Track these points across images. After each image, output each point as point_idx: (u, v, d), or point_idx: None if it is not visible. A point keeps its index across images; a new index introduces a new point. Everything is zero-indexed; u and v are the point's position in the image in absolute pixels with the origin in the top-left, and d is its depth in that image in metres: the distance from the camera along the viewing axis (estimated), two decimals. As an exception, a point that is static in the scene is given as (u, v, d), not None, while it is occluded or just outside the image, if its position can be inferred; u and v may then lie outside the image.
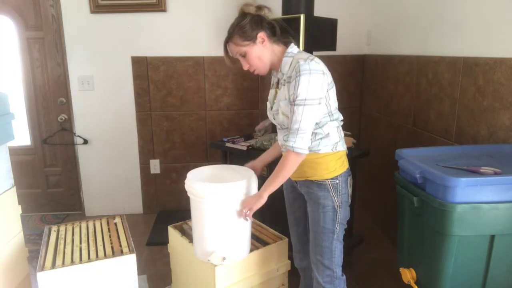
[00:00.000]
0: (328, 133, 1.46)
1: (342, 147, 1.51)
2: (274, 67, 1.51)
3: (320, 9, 2.49)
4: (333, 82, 1.46)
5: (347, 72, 3.22)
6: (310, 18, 2.21)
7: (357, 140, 2.81)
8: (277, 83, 1.55)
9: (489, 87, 1.76)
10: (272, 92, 1.60)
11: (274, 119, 1.54)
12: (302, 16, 2.13)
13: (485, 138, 1.79)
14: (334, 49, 2.40)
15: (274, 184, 1.47)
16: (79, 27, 2.97)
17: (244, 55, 1.46)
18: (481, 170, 1.31)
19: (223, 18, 3.03)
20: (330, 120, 1.46)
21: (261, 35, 1.45)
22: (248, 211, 1.51)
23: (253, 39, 1.44)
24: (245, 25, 1.43)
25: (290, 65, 1.44)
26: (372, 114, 3.09)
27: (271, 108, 1.56)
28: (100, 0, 2.91)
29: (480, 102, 1.82)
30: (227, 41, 1.48)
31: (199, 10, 3.01)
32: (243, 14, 1.46)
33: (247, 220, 1.55)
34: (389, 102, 2.77)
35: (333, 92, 1.46)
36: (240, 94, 3.20)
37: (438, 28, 2.15)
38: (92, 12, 2.93)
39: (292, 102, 1.38)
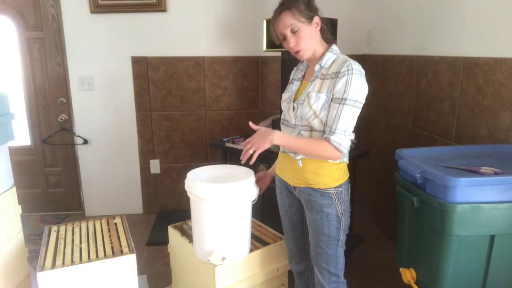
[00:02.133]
0: None
1: (346, 159, 1.51)
2: (312, 58, 1.47)
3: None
4: None
5: (347, 72, 3.22)
6: (310, 18, 2.21)
7: (357, 140, 2.80)
8: (303, 76, 1.53)
9: (489, 87, 1.76)
10: (296, 83, 1.54)
11: (293, 110, 1.47)
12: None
13: (485, 138, 1.79)
14: (334, 49, 2.39)
15: (293, 145, 1.40)
16: (79, 27, 2.97)
17: (296, 31, 1.39)
18: (481, 170, 1.31)
19: (223, 18, 3.04)
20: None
21: (317, 19, 1.43)
22: (255, 151, 1.39)
23: (310, 19, 1.40)
24: (304, 4, 1.39)
25: (333, 61, 1.42)
26: (372, 114, 3.09)
27: (295, 99, 1.49)
28: (100, 0, 2.91)
29: (480, 102, 1.82)
30: (285, 9, 1.38)
31: (199, 10, 3.01)
32: None
33: (250, 153, 1.41)
34: (389, 102, 2.77)
35: None
36: (240, 94, 3.20)
37: (438, 28, 2.15)
38: (92, 12, 2.93)
39: (339, 100, 1.34)
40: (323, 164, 1.44)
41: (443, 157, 1.52)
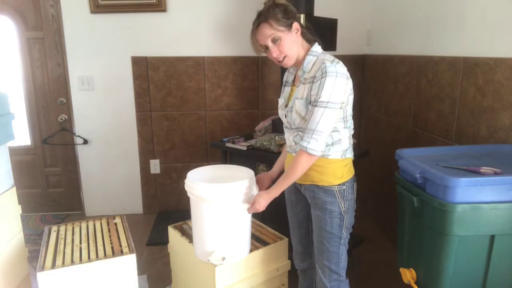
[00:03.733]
0: (340, 139, 1.45)
1: (350, 154, 1.51)
2: (296, 63, 1.47)
3: (320, 9, 2.49)
4: (352, 89, 1.45)
5: (347, 72, 3.22)
6: (310, 18, 2.21)
7: (357, 140, 2.81)
8: (293, 81, 1.53)
9: (489, 87, 1.76)
10: (287, 89, 1.55)
11: (286, 117, 1.50)
12: (302, 16, 2.13)
13: (485, 138, 1.79)
14: (334, 49, 2.40)
15: (284, 183, 1.46)
16: (79, 27, 2.96)
17: (276, 41, 1.39)
18: (481, 170, 1.31)
19: (223, 18, 3.04)
20: (344, 127, 1.45)
21: (296, 25, 1.42)
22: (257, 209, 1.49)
23: (288, 26, 1.39)
24: (281, 12, 1.38)
25: (314, 64, 1.41)
26: (372, 114, 3.09)
27: (286, 105, 1.51)
28: (100, 0, 2.91)
29: (480, 102, 1.82)
30: (263, 21, 1.39)
31: (199, 10, 3.01)
32: (275, 3, 1.40)
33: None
34: (389, 102, 2.77)
35: (351, 98, 1.45)
36: (240, 94, 3.20)
37: (438, 28, 2.15)
38: (92, 12, 2.93)
39: (313, 103, 1.36)
40: (326, 162, 1.45)
41: (443, 157, 1.52)
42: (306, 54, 1.45)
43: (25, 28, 3.01)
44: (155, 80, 3.11)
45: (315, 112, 1.35)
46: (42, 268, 1.54)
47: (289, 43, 1.40)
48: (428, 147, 2.06)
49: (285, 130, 1.57)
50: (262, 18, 1.40)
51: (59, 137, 3.20)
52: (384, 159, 2.87)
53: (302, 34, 1.46)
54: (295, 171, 1.42)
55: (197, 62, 3.11)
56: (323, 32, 2.32)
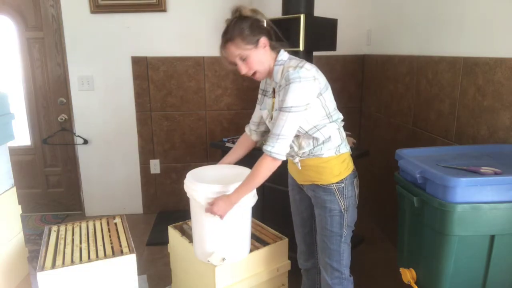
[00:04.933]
0: (330, 136, 1.45)
1: (345, 149, 1.50)
2: (269, 74, 1.48)
3: (320, 9, 2.49)
4: (327, 84, 1.45)
5: (347, 72, 3.22)
6: (310, 18, 2.21)
7: (357, 140, 2.81)
8: (273, 92, 1.53)
9: (489, 87, 1.76)
10: (269, 101, 1.55)
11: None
12: (302, 16, 2.13)
13: (485, 138, 1.79)
14: (334, 49, 2.40)
15: (246, 190, 1.45)
16: (79, 27, 2.96)
17: (244, 59, 1.42)
18: (481, 170, 1.31)
19: (223, 18, 3.02)
20: (329, 122, 1.45)
21: (263, 40, 1.41)
22: (219, 216, 1.48)
23: (255, 43, 1.40)
24: (248, 28, 1.38)
25: (282, 73, 1.42)
26: (372, 114, 3.09)
27: (271, 117, 1.51)
28: (100, 0, 2.91)
29: (480, 102, 1.82)
30: (227, 42, 1.42)
31: (199, 10, 3.01)
32: (241, 17, 1.41)
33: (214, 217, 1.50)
34: (389, 102, 2.77)
35: (328, 94, 1.44)
36: (240, 94, 3.20)
37: (438, 28, 2.15)
38: (92, 12, 2.93)
39: (279, 108, 1.37)
40: (322, 161, 1.46)
41: (443, 157, 1.52)
42: (274, 65, 1.45)
43: (25, 28, 3.01)
44: (155, 80, 3.11)
45: (280, 118, 1.36)
46: (42, 268, 1.54)
47: (257, 60, 1.41)
48: (428, 147, 2.06)
49: None
50: (228, 36, 1.41)
51: (59, 137, 3.20)
52: (384, 159, 2.87)
53: (272, 45, 1.46)
54: (257, 176, 1.41)
55: (197, 62, 3.11)
56: (323, 32, 2.33)
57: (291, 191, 1.71)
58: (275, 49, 1.47)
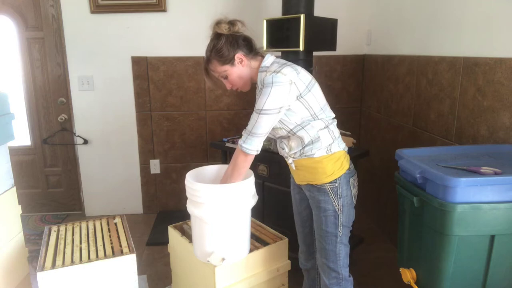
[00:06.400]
0: (319, 137, 1.44)
1: (338, 148, 1.49)
2: (255, 81, 1.54)
3: (320, 9, 2.49)
4: (313, 85, 1.45)
5: (347, 72, 3.22)
6: (310, 18, 2.21)
7: (357, 140, 2.81)
8: None
9: (489, 87, 1.76)
10: None
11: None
12: (302, 16, 2.13)
13: (485, 138, 1.79)
14: (334, 49, 2.40)
15: (228, 177, 1.51)
16: (79, 27, 2.97)
17: (225, 77, 1.50)
18: (481, 170, 1.31)
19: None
20: (314, 120, 1.44)
21: (239, 55, 1.46)
22: None
23: (231, 61, 1.45)
24: (222, 49, 1.44)
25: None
26: (372, 114, 3.09)
27: None
28: (100, 0, 2.91)
29: (480, 102, 1.82)
30: (207, 63, 1.50)
31: (199, 10, 3.01)
32: (217, 35, 1.46)
33: None
34: (389, 102, 2.77)
35: (312, 95, 1.43)
36: (240, 94, 3.20)
37: (438, 28, 2.15)
38: (92, 12, 2.93)
39: (254, 109, 1.42)
40: (313, 161, 1.47)
41: (443, 157, 1.52)
42: (258, 72, 1.48)
43: (25, 28, 3.01)
44: (155, 80, 3.11)
45: (252, 117, 1.41)
46: (42, 268, 1.54)
47: (236, 76, 1.49)
48: (428, 147, 2.06)
49: (276, 139, 1.61)
50: (206, 58, 1.50)
51: (59, 137, 3.20)
52: (384, 159, 2.87)
53: (252, 56, 1.49)
54: (233, 170, 1.48)
55: (197, 62, 3.11)
56: (323, 32, 2.33)
57: (292, 190, 1.72)
58: (257, 55, 1.51)
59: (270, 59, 1.49)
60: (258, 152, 1.44)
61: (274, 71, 1.39)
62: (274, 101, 1.37)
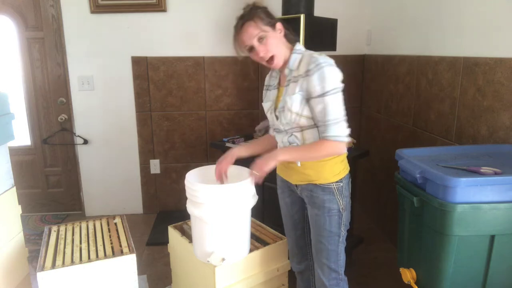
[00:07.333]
0: None
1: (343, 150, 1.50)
2: (283, 64, 1.46)
3: (320, 9, 2.49)
4: None
5: (347, 72, 3.17)
6: (310, 18, 2.21)
7: (357, 140, 2.81)
8: (279, 83, 1.52)
9: (489, 87, 1.76)
10: (273, 92, 1.54)
11: (277, 119, 1.48)
12: (302, 16, 2.13)
13: (485, 138, 1.79)
14: (334, 49, 2.40)
15: (296, 157, 1.44)
16: (79, 27, 2.97)
17: (263, 39, 1.38)
18: (481, 170, 1.31)
19: (223, 18, 3.04)
20: None
21: (279, 25, 1.43)
22: (260, 175, 1.45)
23: (273, 26, 1.41)
24: (264, 13, 1.40)
25: (300, 61, 1.41)
26: (372, 114, 3.09)
27: (276, 107, 1.49)
28: (100, 0, 2.91)
29: (480, 102, 1.82)
30: (247, 20, 1.38)
31: (199, 10, 3.01)
32: (256, 6, 1.42)
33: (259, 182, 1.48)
34: (389, 102, 2.77)
35: None
36: (240, 94, 3.20)
37: (438, 28, 2.15)
38: (92, 12, 2.93)
39: (318, 95, 1.34)
40: (322, 160, 1.45)
41: (443, 157, 1.52)
42: (291, 53, 1.45)
43: (25, 28, 3.01)
44: (155, 80, 3.11)
45: (327, 102, 1.33)
46: (42, 268, 1.54)
47: (275, 42, 1.41)
48: (428, 147, 2.06)
49: (276, 134, 1.56)
50: (246, 17, 1.40)
51: (59, 137, 3.20)
52: (384, 159, 2.87)
53: (285, 35, 1.46)
54: (316, 154, 1.40)
55: (197, 62, 3.11)
56: (323, 32, 2.34)
57: (280, 194, 1.68)
58: (291, 40, 1.47)
59: (301, 45, 1.48)
60: (348, 139, 1.38)
61: (320, 54, 1.37)
62: (338, 78, 1.35)
